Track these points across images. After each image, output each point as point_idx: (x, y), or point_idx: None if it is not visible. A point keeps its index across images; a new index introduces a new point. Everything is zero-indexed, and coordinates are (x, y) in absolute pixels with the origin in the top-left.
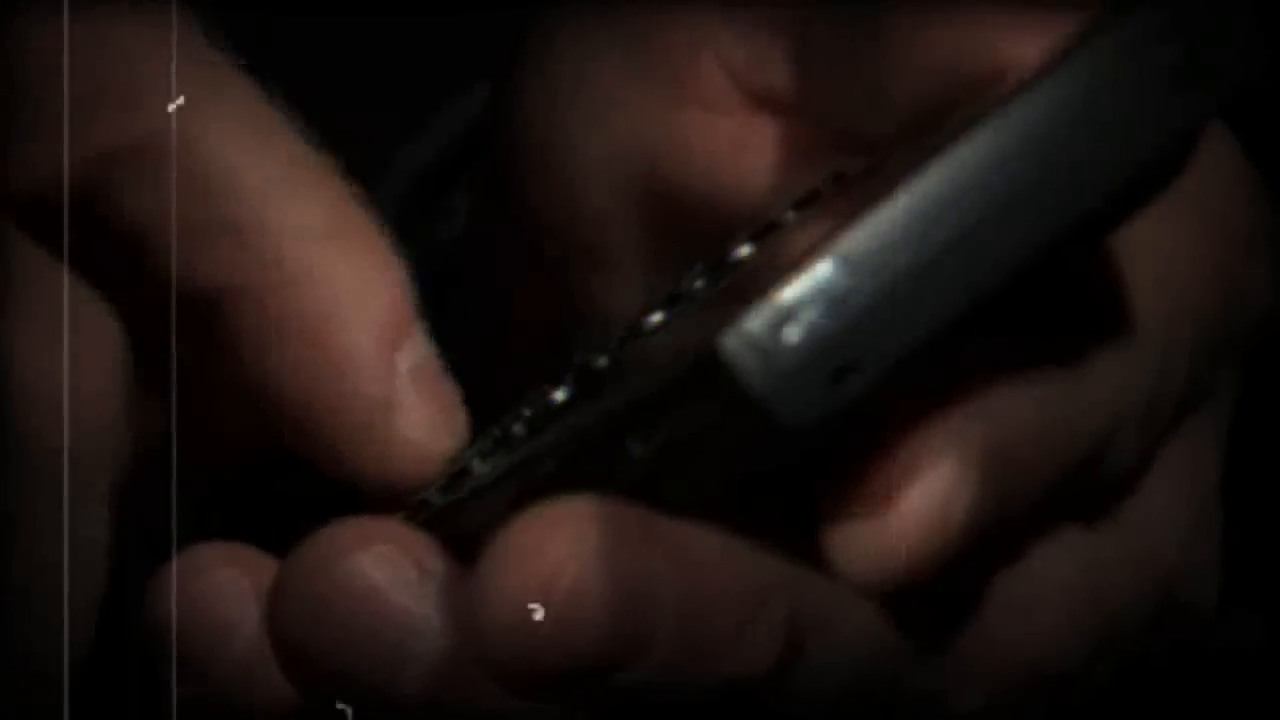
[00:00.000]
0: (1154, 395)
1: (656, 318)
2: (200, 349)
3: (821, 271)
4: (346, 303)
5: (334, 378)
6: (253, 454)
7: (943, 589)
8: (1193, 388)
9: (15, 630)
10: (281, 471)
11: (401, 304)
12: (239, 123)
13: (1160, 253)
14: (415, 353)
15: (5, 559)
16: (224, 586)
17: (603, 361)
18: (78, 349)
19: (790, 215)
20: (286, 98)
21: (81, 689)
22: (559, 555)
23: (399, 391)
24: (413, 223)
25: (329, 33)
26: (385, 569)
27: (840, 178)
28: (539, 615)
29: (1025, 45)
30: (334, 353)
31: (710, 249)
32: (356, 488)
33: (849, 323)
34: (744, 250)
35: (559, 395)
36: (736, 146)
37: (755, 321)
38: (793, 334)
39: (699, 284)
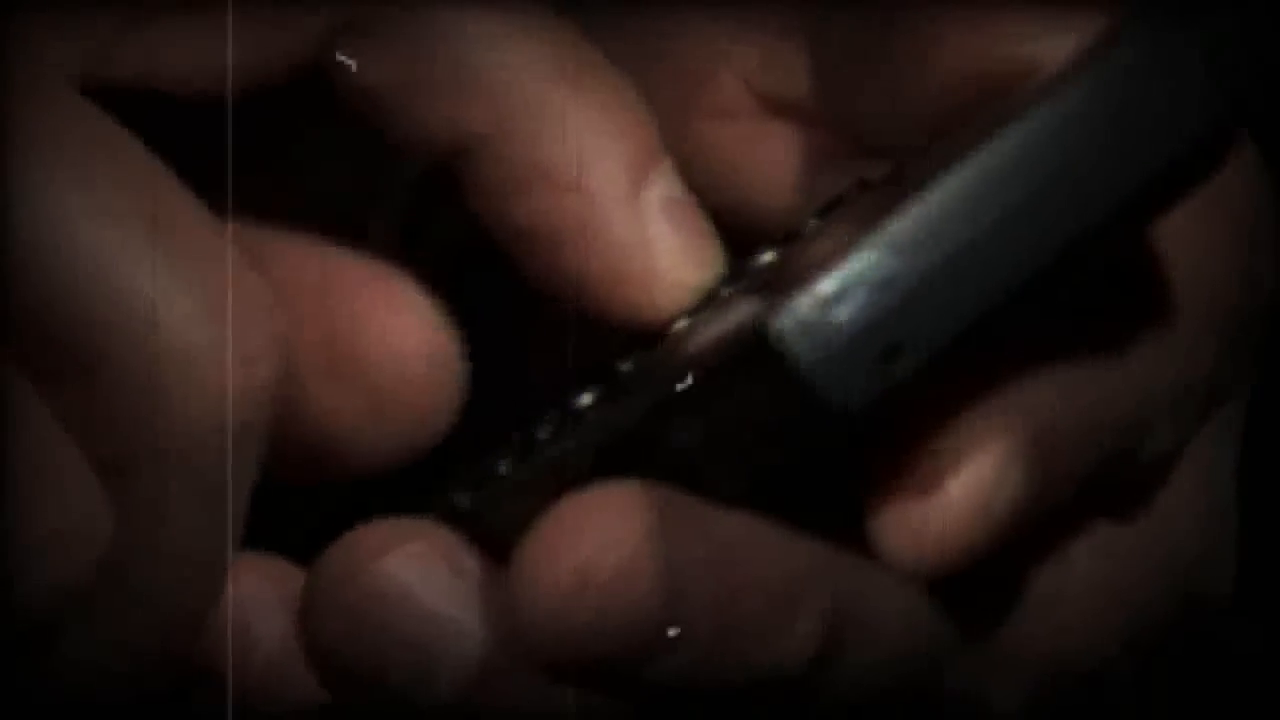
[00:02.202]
0: (1185, 387)
1: (682, 323)
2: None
3: (870, 254)
4: (592, 144)
5: (587, 220)
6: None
7: (981, 581)
8: (1216, 381)
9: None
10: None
11: (647, 138)
12: None
13: (1189, 246)
14: (664, 184)
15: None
16: (245, 595)
17: (627, 365)
18: (240, 321)
19: (813, 223)
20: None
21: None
22: (601, 540)
23: (651, 227)
24: (425, 224)
25: None
26: (417, 570)
27: (864, 184)
28: (579, 599)
29: (1050, 47)
30: (585, 196)
31: (732, 256)
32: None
33: (897, 305)
34: (768, 256)
35: (585, 399)
36: (751, 154)
37: (804, 303)
38: (841, 315)
39: (723, 290)
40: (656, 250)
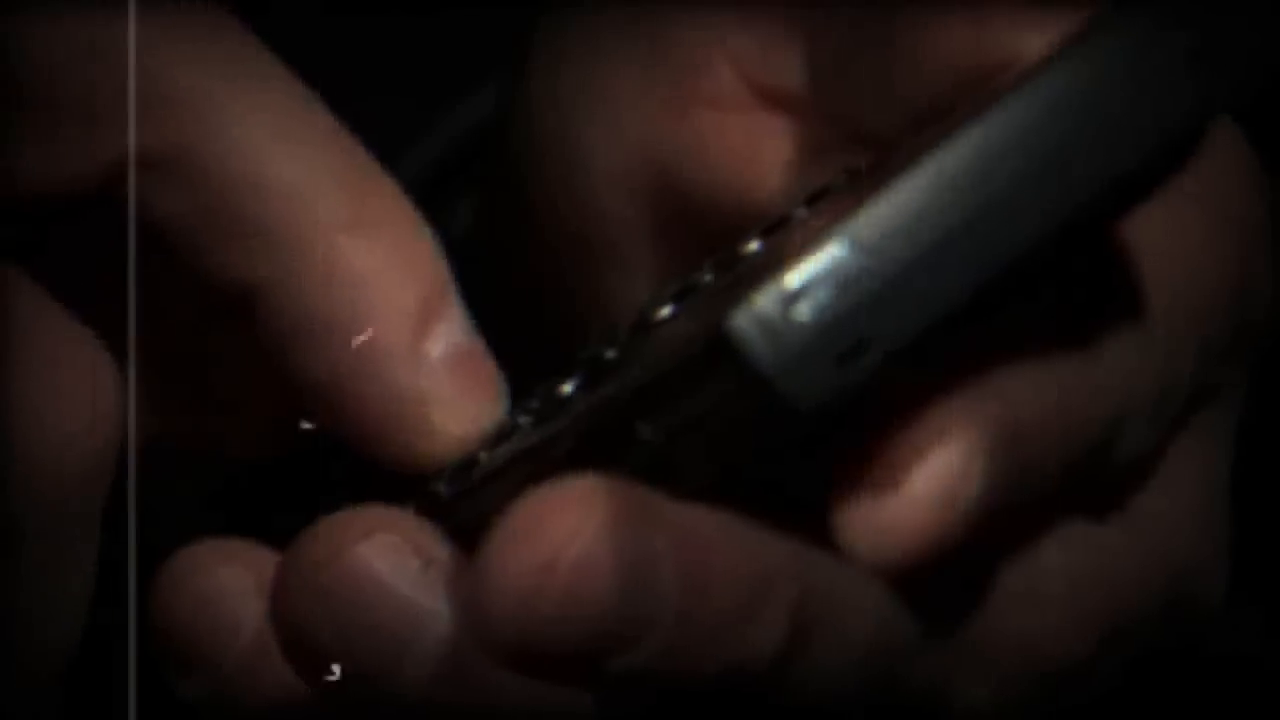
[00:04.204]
0: (1164, 386)
1: (665, 311)
2: (231, 342)
3: (831, 252)
4: (374, 296)
5: (365, 373)
6: (277, 444)
7: (952, 577)
8: (1203, 382)
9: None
10: (282, 464)
11: (432, 290)
12: (266, 117)
13: (1174, 245)
14: (449, 336)
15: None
16: (225, 583)
17: (611, 354)
18: (68, 387)
19: (801, 211)
20: None
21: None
22: (563, 533)
23: (432, 380)
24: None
25: (337, 30)
26: (388, 558)
27: (852, 173)
28: (540, 594)
29: (1038, 40)
30: (364, 348)
31: (721, 246)
32: (363, 476)
33: (858, 303)
34: (753, 245)
35: (567, 387)
36: (747, 145)
37: (764, 301)
38: (802, 313)
39: (708, 278)
40: (430, 405)
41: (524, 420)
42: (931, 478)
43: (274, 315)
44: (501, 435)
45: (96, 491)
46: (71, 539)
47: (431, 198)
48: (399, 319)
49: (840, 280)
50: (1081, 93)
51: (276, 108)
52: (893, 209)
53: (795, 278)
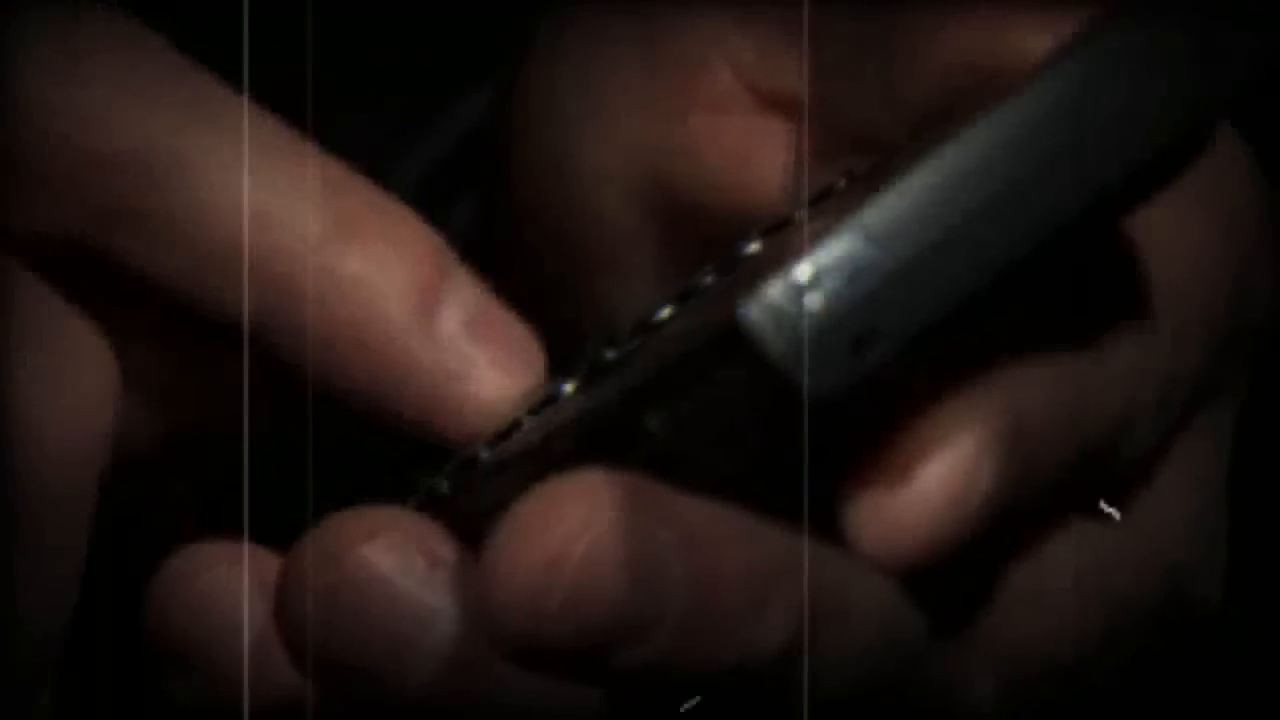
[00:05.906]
0: (1168, 385)
1: (666, 312)
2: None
3: (843, 242)
4: (371, 293)
5: (386, 367)
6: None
7: (958, 573)
8: (1204, 381)
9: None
10: (282, 463)
11: (431, 269)
12: (230, 149)
13: (1175, 243)
14: (463, 306)
15: None
16: (225, 584)
17: (612, 354)
18: (70, 377)
19: (802, 213)
20: (294, 99)
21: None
22: (570, 529)
23: (455, 352)
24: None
25: (336, 32)
26: (393, 558)
27: (853, 175)
28: (547, 589)
29: (1041, 42)
30: (378, 346)
31: (720, 249)
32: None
33: (870, 292)
34: (754, 246)
35: (568, 387)
36: (746, 148)
37: (777, 290)
38: (814, 303)
39: (709, 279)
40: (466, 375)
41: (526, 418)
42: (942, 474)
43: (283, 338)
44: (503, 433)
45: (89, 476)
46: (61, 524)
47: (433, 198)
48: (403, 307)
49: (851, 270)
50: (1089, 89)
51: (238, 137)
52: (903, 200)
53: (807, 267)
